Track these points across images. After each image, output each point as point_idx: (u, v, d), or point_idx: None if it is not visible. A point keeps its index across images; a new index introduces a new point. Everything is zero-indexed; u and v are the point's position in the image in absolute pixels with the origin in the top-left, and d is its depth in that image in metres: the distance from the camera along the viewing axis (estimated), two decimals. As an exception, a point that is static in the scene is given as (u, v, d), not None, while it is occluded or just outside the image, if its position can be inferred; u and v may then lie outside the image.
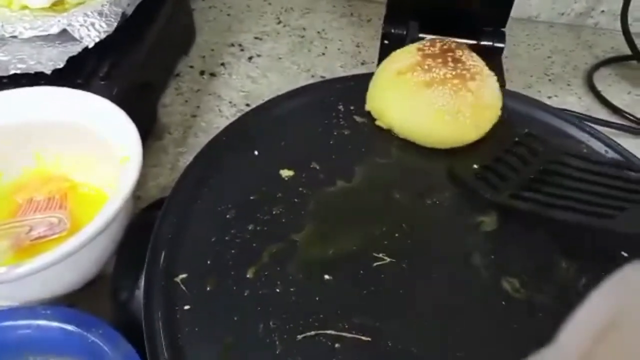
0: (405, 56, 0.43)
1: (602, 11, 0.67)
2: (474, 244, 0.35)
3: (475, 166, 0.40)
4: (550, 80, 0.60)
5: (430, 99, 0.40)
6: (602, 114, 0.56)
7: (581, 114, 0.53)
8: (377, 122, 0.43)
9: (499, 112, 0.42)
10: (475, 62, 0.43)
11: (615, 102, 0.56)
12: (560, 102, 0.57)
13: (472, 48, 0.52)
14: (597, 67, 0.61)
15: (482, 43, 0.52)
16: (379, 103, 0.43)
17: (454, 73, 0.41)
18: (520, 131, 0.42)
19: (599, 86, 0.59)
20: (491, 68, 0.43)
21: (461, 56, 0.42)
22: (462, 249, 0.35)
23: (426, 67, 0.41)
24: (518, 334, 0.31)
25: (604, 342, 0.16)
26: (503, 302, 0.32)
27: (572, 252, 0.35)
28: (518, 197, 0.37)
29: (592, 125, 0.45)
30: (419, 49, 0.43)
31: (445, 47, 0.43)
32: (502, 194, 0.37)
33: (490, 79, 0.43)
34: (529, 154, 0.40)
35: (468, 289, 0.33)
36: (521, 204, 0.36)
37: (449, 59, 0.42)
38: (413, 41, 0.52)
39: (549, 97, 0.58)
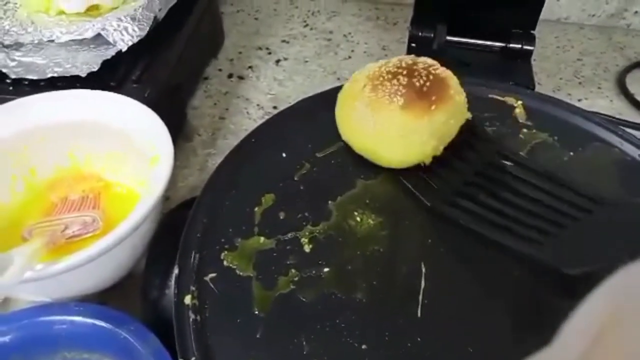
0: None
1: (636, 12, 0.65)
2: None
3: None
4: (580, 83, 0.59)
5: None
6: (635, 117, 0.55)
7: (613, 117, 0.52)
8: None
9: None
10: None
11: (649, 105, 0.55)
12: (591, 105, 0.56)
13: (501, 51, 0.52)
14: (629, 69, 0.60)
15: (511, 46, 0.51)
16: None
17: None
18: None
19: (632, 89, 0.57)
20: (520, 71, 0.42)
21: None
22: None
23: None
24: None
25: (603, 343, 0.16)
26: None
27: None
28: (453, 204, 0.35)
29: (625, 128, 0.44)
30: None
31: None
32: (439, 200, 0.36)
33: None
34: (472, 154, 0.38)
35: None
36: (453, 211, 0.35)
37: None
38: (440, 45, 0.52)
39: (579, 100, 0.57)
